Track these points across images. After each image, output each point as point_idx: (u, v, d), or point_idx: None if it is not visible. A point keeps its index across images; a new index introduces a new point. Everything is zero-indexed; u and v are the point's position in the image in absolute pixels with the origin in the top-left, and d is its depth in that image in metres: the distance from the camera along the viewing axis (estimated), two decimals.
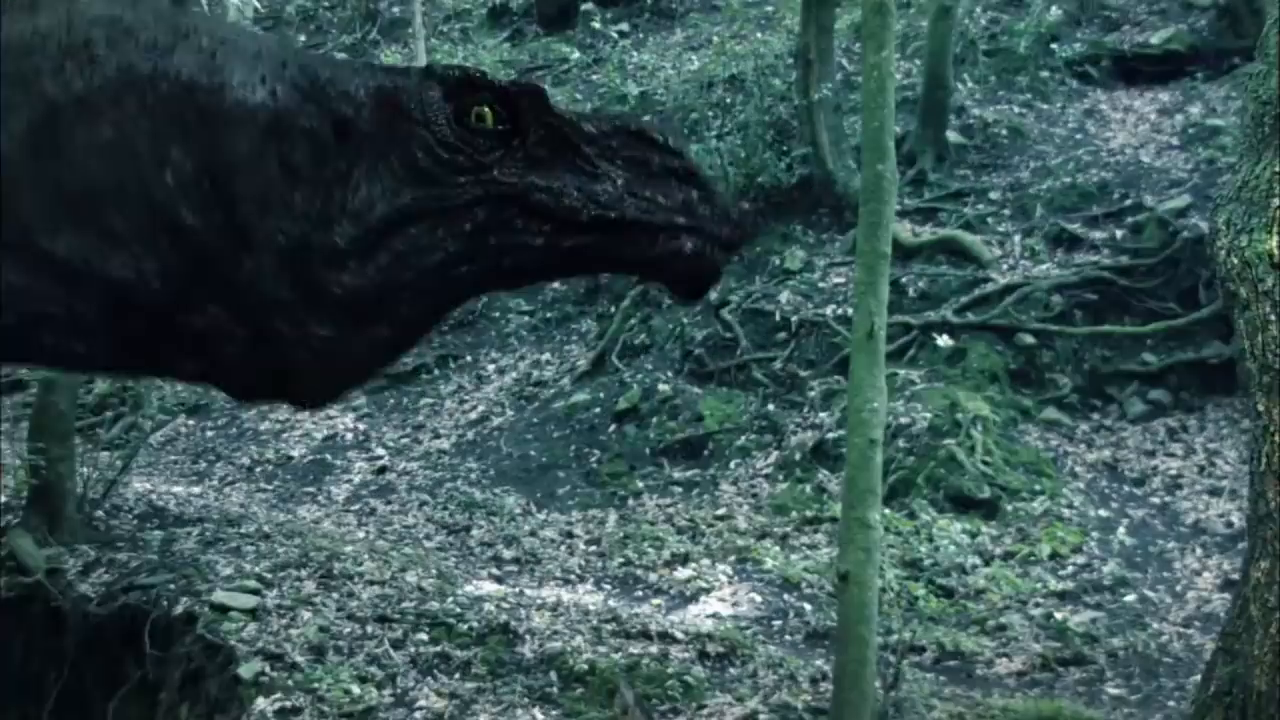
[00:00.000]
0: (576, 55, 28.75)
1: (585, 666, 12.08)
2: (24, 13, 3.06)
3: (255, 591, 13.14)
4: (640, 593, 14.35)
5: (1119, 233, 19.49)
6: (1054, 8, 24.98)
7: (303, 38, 33.02)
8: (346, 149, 3.12)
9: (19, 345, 3.01)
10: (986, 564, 14.32)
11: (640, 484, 17.31)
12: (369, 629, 12.64)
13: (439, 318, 3.35)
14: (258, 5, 28.01)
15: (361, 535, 15.98)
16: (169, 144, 2.91)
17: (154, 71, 2.96)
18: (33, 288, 2.84)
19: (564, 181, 3.23)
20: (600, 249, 3.31)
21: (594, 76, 27.77)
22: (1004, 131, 22.41)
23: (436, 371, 21.69)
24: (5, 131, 2.83)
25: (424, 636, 12.53)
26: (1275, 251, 8.14)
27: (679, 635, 12.81)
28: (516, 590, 13.99)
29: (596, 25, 29.17)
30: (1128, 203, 19.84)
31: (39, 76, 2.91)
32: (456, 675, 12.06)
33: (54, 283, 2.86)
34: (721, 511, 16.23)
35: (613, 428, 18.79)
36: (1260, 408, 8.20)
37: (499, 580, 14.43)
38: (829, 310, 19.32)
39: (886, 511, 13.25)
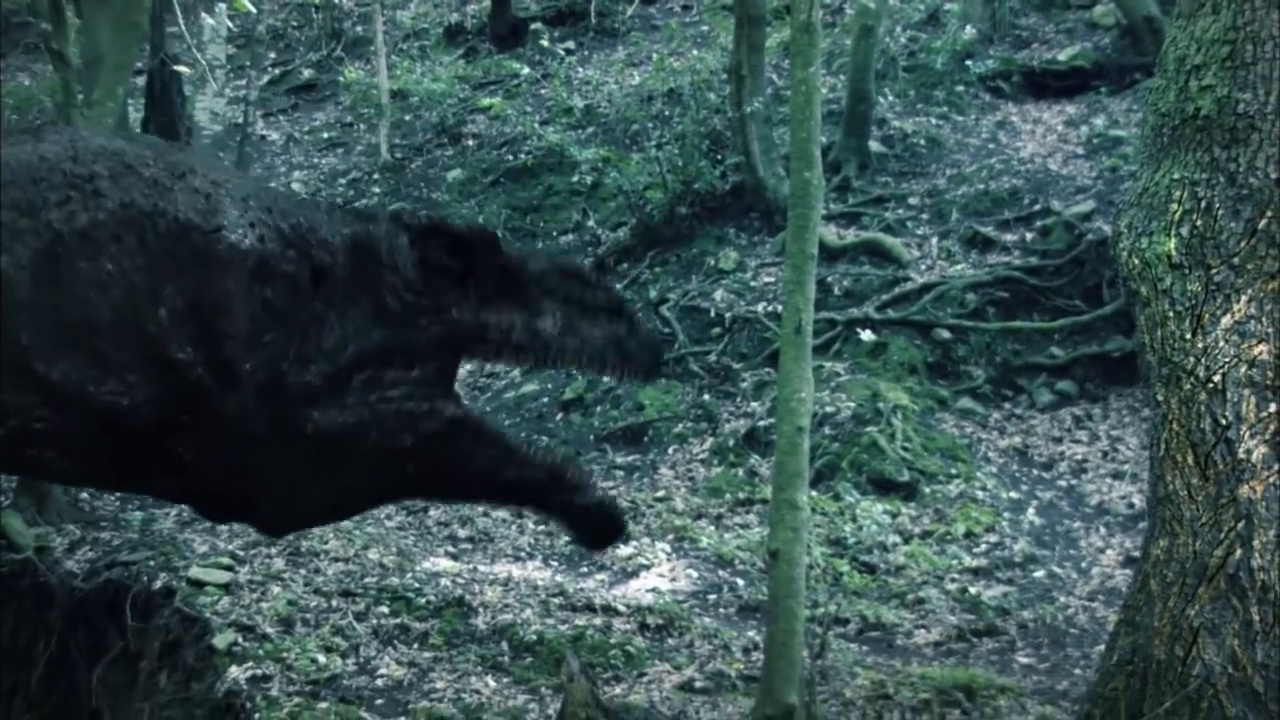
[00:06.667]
0: (526, 71, 28.72)
1: (534, 637, 12.06)
2: (28, 139, 3.00)
3: (229, 568, 13.07)
4: (585, 569, 14.31)
5: (1028, 235, 19.58)
6: (968, 27, 25.11)
7: (273, 54, 32.91)
8: (322, 293, 3.09)
9: (4, 456, 2.95)
10: (906, 542, 14.37)
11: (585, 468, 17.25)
12: (334, 602, 12.58)
13: (400, 469, 3.30)
14: (230, 25, 27.79)
15: None
16: (164, 281, 2.86)
17: (154, 210, 2.91)
18: (24, 406, 2.79)
19: (512, 319, 3.26)
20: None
21: (542, 91, 27.76)
22: (922, 141, 22.48)
23: None
24: (9, 257, 2.77)
25: (385, 609, 12.48)
26: (1173, 253, 8.17)
27: (621, 608, 12.79)
28: (471, 567, 13.94)
29: (545, 43, 29.16)
30: (1037, 208, 19.92)
31: (45, 206, 2.84)
32: (415, 645, 12.02)
33: (45, 403, 2.80)
34: (660, 494, 16.21)
35: (560, 416, 18.76)
36: (1159, 397, 8.23)
37: (454, 557, 14.37)
38: (760, 307, 19.34)
39: (813, 494, 13.31)
